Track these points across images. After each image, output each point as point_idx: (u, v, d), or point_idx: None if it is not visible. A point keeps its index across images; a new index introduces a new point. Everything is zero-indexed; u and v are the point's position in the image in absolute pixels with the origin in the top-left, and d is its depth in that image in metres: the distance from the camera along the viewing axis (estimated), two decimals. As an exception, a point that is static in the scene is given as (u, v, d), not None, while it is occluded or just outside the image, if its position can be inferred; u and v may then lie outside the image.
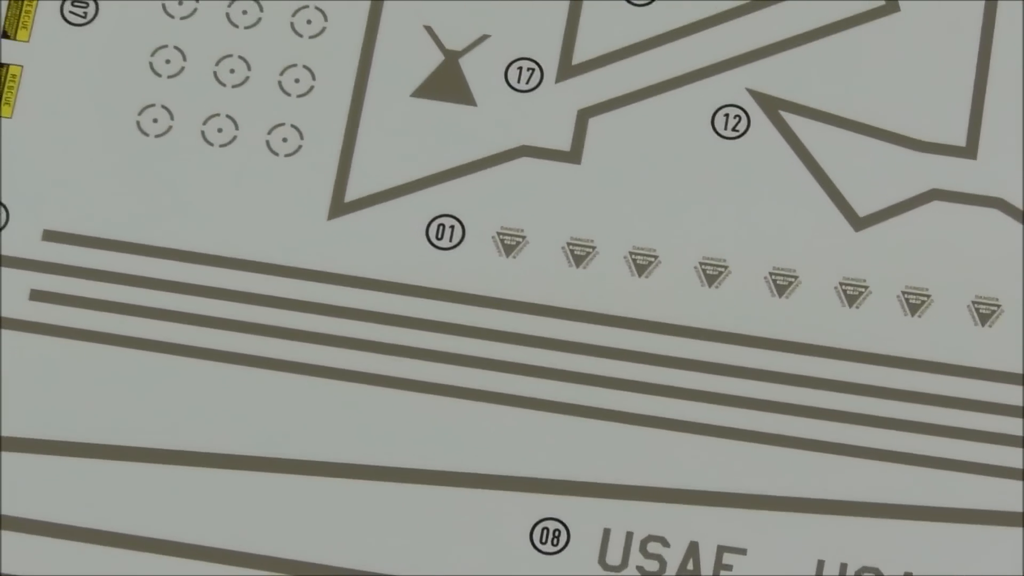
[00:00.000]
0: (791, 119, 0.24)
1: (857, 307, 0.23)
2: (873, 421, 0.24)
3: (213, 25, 0.24)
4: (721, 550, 0.23)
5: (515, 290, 0.24)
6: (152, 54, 0.24)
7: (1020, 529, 0.23)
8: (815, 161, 0.24)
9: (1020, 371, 0.23)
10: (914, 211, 0.25)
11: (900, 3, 0.25)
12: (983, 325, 0.23)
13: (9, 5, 0.26)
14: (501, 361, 0.24)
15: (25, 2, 0.25)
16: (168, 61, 0.24)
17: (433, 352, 0.24)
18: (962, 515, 0.23)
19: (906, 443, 0.24)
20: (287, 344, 0.23)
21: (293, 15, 0.26)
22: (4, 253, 0.26)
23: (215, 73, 0.24)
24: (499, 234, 0.24)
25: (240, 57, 0.24)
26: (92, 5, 0.24)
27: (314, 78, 0.24)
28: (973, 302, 0.23)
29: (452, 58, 0.24)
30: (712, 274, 0.24)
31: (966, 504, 0.23)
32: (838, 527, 0.23)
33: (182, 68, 0.24)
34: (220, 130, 0.26)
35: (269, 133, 0.25)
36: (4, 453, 0.24)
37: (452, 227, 0.24)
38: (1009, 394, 0.23)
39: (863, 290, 0.24)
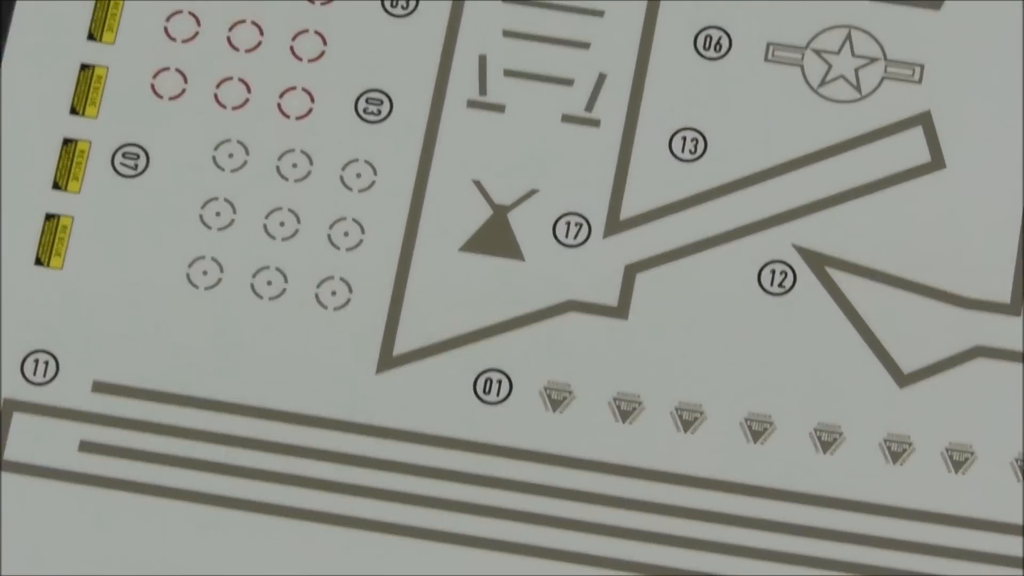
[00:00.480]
0: (837, 275, 0.28)
1: (901, 464, 0.27)
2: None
3: (264, 178, 0.28)
4: None
5: (562, 445, 0.28)
6: (203, 206, 0.28)
7: None
8: (860, 317, 0.27)
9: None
10: (958, 368, 0.29)
11: (945, 160, 0.29)
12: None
13: (60, 157, 0.30)
14: (549, 516, 0.27)
15: (76, 154, 0.28)
16: (218, 214, 0.29)
17: (481, 507, 0.28)
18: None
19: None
20: (337, 498, 0.28)
21: (343, 168, 0.30)
22: (54, 404, 0.29)
23: (265, 226, 0.28)
24: (546, 389, 0.28)
25: (290, 210, 0.28)
26: (143, 157, 0.28)
27: (363, 231, 0.29)
28: (1017, 459, 0.27)
29: (500, 213, 0.28)
30: (757, 430, 0.28)
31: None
32: None
33: (232, 220, 0.28)
34: (269, 283, 0.29)
35: (318, 286, 0.29)
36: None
37: (499, 382, 0.28)
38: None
39: (907, 447, 0.28)
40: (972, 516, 0.28)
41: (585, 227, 0.29)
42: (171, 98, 0.30)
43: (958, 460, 0.28)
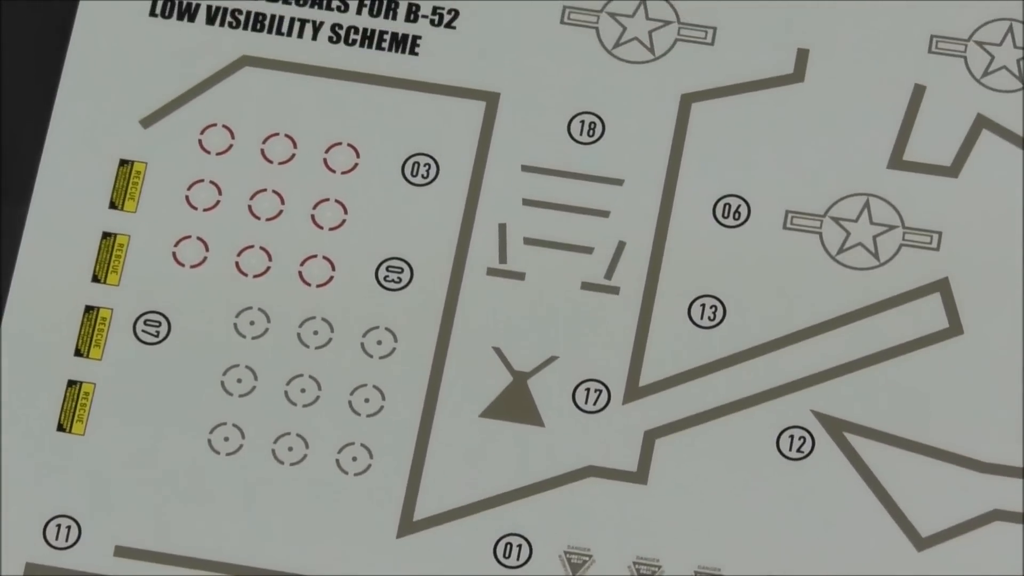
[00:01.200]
0: (855, 440, 0.35)
1: (919, 628, 0.35)
2: None
3: (285, 345, 0.36)
4: None
5: (583, 609, 0.35)
6: (224, 373, 0.35)
7: None
8: (878, 481, 0.36)
9: None
10: (976, 531, 0.37)
11: (963, 327, 0.38)
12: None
13: (82, 324, 0.39)
14: None
15: (98, 321, 0.35)
16: (239, 380, 0.39)
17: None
18: None
19: None
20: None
21: (363, 335, 0.39)
22: (76, 569, 0.37)
23: (286, 392, 0.36)
24: (566, 553, 0.35)
25: (311, 376, 0.36)
26: (164, 324, 0.37)
27: (384, 398, 0.39)
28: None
29: (520, 379, 0.35)
30: (777, 592, 0.35)
31: None
32: None
33: (253, 388, 0.37)
34: (291, 448, 0.38)
35: (339, 452, 0.39)
36: None
37: (520, 546, 0.35)
38: None
39: (926, 610, 0.35)
40: None
41: (605, 393, 0.37)
42: (192, 266, 0.40)
43: (976, 622, 0.36)
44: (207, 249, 0.40)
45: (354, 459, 0.38)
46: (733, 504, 0.38)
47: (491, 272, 0.39)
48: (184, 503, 0.38)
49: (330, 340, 0.39)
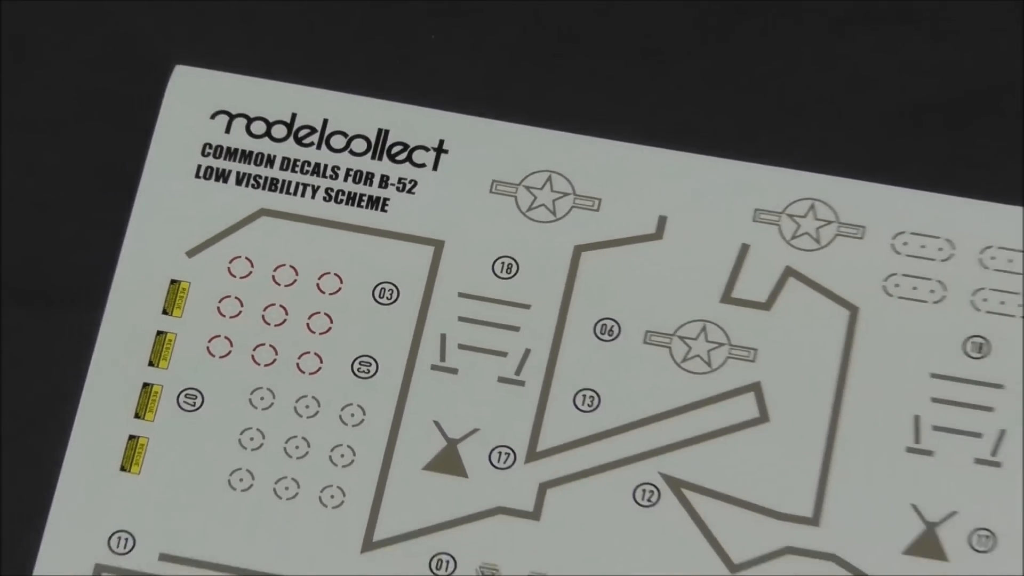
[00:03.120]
0: (689, 494, 0.54)
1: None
2: None
3: (285, 415, 0.56)
4: None
5: (491, 608, 0.49)
6: (241, 433, 0.56)
7: None
8: (704, 523, 0.53)
9: None
10: (772, 561, 0.53)
11: (770, 416, 0.54)
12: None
13: (140, 396, 0.55)
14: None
15: (152, 395, 0.53)
16: (252, 439, 0.57)
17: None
18: None
19: None
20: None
21: (342, 409, 0.57)
22: (131, 569, 0.53)
23: (284, 448, 0.55)
24: (480, 567, 0.53)
25: (303, 438, 0.56)
26: (199, 397, 0.57)
27: (355, 454, 0.57)
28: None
29: (452, 444, 0.56)
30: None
31: None
32: None
33: (261, 444, 0.56)
34: (287, 488, 0.56)
35: (321, 491, 0.55)
36: None
37: (448, 561, 0.54)
38: None
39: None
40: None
41: (512, 456, 0.53)
42: (220, 356, 0.56)
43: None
44: (231, 345, 0.54)
45: (332, 496, 0.52)
46: (602, 536, 0.53)
47: (434, 367, 0.54)
48: (210, 521, 0.53)
49: (317, 412, 0.53)
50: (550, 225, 0.56)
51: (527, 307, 0.55)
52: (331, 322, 0.55)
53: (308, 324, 0.55)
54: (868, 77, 0.60)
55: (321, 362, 0.54)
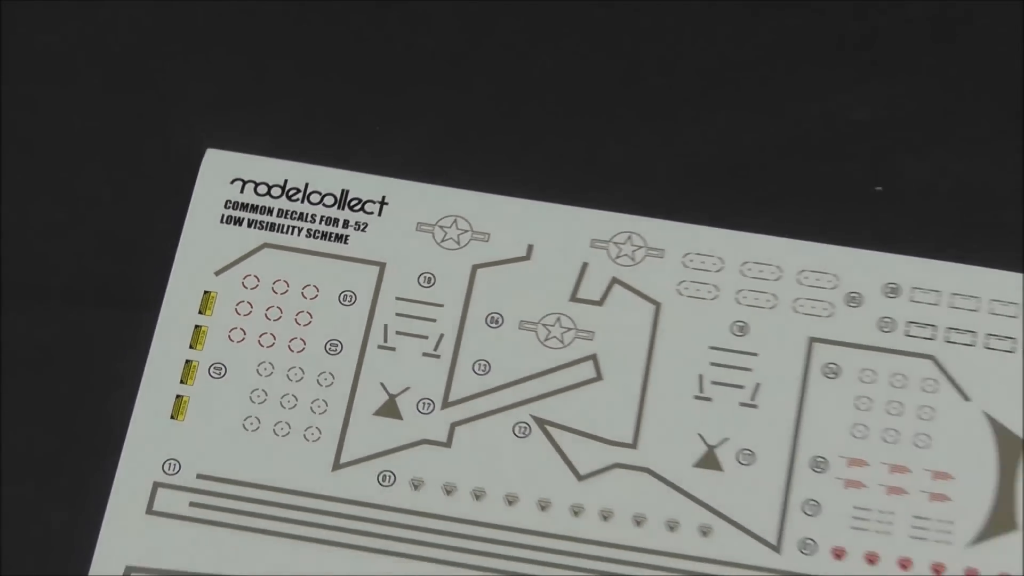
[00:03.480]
0: (551, 429, 0.72)
1: None
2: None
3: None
4: None
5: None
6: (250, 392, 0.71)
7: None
8: (560, 447, 0.71)
9: None
10: (604, 474, 0.73)
11: (602, 376, 0.74)
12: None
13: (183, 368, 0.74)
14: None
15: (192, 366, 0.71)
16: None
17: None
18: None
19: None
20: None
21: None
22: (177, 484, 0.73)
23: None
24: (412, 480, 0.70)
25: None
26: (224, 369, 0.72)
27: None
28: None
29: (392, 399, 0.71)
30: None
31: None
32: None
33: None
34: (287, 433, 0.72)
35: (306, 429, 0.73)
36: None
37: (391, 475, 0.70)
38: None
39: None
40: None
41: (432, 405, 0.74)
42: (237, 342, 0.74)
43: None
44: (244, 334, 0.69)
45: (312, 434, 0.68)
46: (493, 458, 0.69)
47: (380, 347, 0.72)
48: (231, 451, 0.70)
49: (302, 378, 0.70)
50: (456, 251, 0.74)
51: (441, 306, 0.73)
52: (311, 318, 0.73)
53: (296, 319, 0.73)
54: (667, 141, 0.78)
55: (304, 344, 0.73)
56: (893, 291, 0.75)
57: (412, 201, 0.77)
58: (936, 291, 0.74)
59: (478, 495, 0.71)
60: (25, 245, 0.78)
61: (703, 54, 0.82)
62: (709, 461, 0.72)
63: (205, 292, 0.75)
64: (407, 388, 0.74)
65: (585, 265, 0.75)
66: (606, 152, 0.80)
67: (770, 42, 0.81)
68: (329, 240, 0.76)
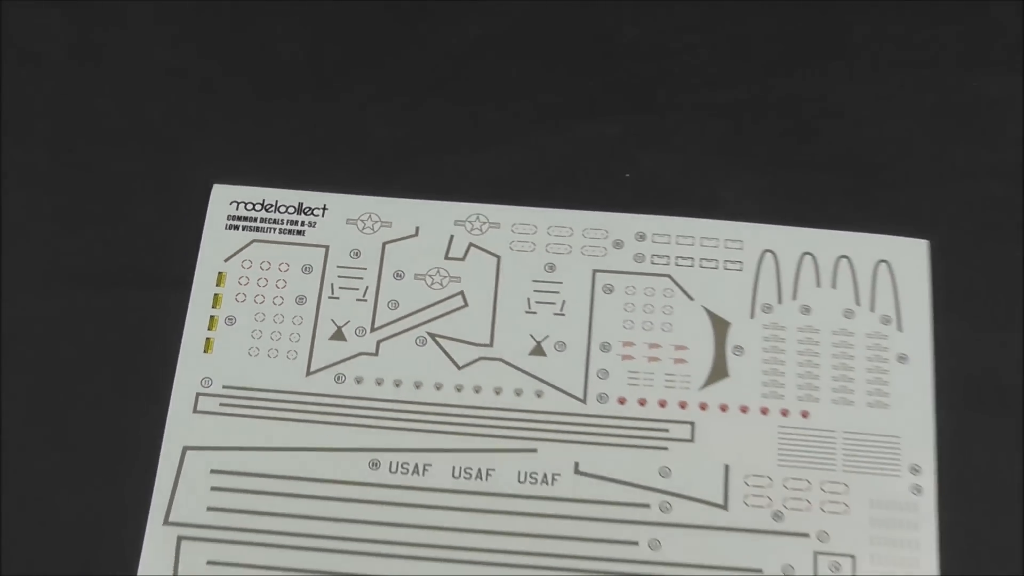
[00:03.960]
0: (441, 341, 1.05)
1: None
2: None
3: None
4: None
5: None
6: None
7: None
8: (447, 353, 1.05)
9: None
10: None
11: (468, 303, 1.07)
12: None
13: (208, 320, 1.05)
14: None
15: (214, 319, 1.06)
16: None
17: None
18: None
19: None
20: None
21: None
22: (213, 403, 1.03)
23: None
24: None
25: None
26: (234, 319, 1.05)
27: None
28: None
29: (339, 329, 1.05)
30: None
31: None
32: None
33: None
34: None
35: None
36: None
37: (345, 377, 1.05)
38: None
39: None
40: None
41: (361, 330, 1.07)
42: (240, 302, 1.03)
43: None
44: (246, 297, 0.93)
45: (294, 355, 0.90)
46: (403, 359, 0.94)
47: (329, 297, 0.91)
48: (244, 370, 0.91)
49: (283, 321, 0.97)
50: (372, 235, 0.94)
51: (365, 268, 0.93)
52: (286, 284, 0.92)
53: (276, 284, 0.92)
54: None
55: (283, 300, 0.92)
56: (641, 237, 0.96)
57: (343, 206, 0.97)
58: (667, 235, 0.96)
59: (397, 383, 0.91)
60: (86, 245, 0.97)
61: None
62: (537, 350, 0.92)
63: (219, 272, 0.95)
64: (348, 321, 0.93)
65: (452, 236, 0.95)
66: (460, 162, 1.00)
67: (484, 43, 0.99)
68: (292, 234, 0.96)
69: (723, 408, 0.91)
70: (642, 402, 0.92)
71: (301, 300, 0.96)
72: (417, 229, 0.97)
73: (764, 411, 0.91)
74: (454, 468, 0.89)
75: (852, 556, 0.87)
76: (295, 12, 0.99)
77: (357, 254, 0.96)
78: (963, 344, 0.91)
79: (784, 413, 0.91)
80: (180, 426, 0.92)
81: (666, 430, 0.90)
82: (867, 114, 0.95)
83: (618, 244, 0.96)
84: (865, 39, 0.96)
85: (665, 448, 0.90)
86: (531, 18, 0.98)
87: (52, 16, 0.99)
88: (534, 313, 0.94)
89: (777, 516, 0.88)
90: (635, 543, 0.87)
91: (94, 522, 0.88)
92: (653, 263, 0.95)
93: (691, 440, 0.90)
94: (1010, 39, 0.95)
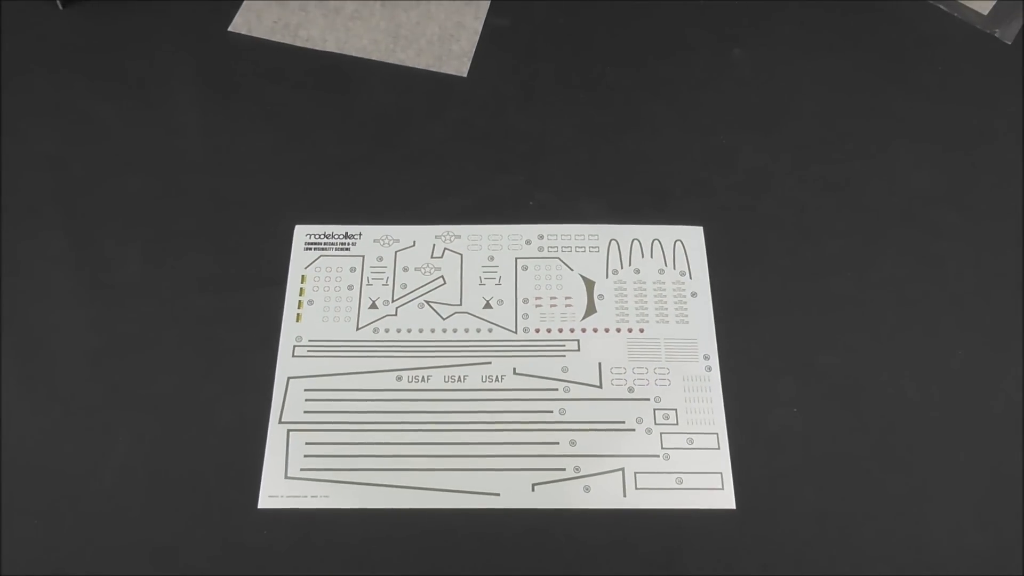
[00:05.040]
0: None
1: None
2: None
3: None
4: None
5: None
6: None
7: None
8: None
9: None
10: None
11: (445, 280, 1.59)
12: None
13: (299, 299, 1.57)
14: None
15: (302, 298, 1.60)
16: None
17: None
18: None
19: None
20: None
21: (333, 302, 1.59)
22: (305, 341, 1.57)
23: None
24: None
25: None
26: (314, 301, 1.60)
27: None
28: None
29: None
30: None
31: None
32: None
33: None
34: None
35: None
36: None
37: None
38: None
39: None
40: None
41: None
42: (316, 290, 1.61)
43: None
44: (319, 288, 1.61)
45: (349, 320, 1.60)
46: (412, 314, 1.50)
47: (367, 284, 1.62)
48: (316, 326, 1.34)
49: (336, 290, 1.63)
50: (387, 248, 1.26)
51: (385, 267, 1.24)
52: (340, 279, 1.27)
53: (334, 279, 1.27)
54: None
55: (339, 289, 1.27)
56: (541, 237, 1.31)
57: (370, 233, 1.30)
58: (555, 235, 1.31)
59: (408, 331, 1.24)
60: (224, 262, 1.30)
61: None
62: (487, 306, 1.26)
63: (301, 275, 1.28)
64: (378, 297, 1.26)
65: (434, 244, 1.29)
66: (437, 203, 1.34)
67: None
68: (342, 250, 1.30)
69: (595, 330, 1.25)
70: (548, 331, 1.25)
71: (350, 287, 1.29)
72: (414, 242, 1.31)
73: (618, 330, 1.24)
74: (444, 376, 1.21)
75: (675, 409, 1.21)
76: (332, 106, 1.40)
77: (381, 259, 1.29)
78: (726, 284, 1.29)
79: (630, 331, 1.24)
80: (285, 364, 1.25)
81: (563, 344, 1.24)
82: (665, 155, 1.35)
83: (528, 242, 1.30)
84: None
85: (563, 355, 1.23)
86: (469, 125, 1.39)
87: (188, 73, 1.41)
88: (484, 285, 1.27)
89: (631, 390, 1.21)
90: (551, 412, 1.20)
91: (238, 424, 1.21)
92: (549, 251, 1.30)
93: (578, 350, 1.24)
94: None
